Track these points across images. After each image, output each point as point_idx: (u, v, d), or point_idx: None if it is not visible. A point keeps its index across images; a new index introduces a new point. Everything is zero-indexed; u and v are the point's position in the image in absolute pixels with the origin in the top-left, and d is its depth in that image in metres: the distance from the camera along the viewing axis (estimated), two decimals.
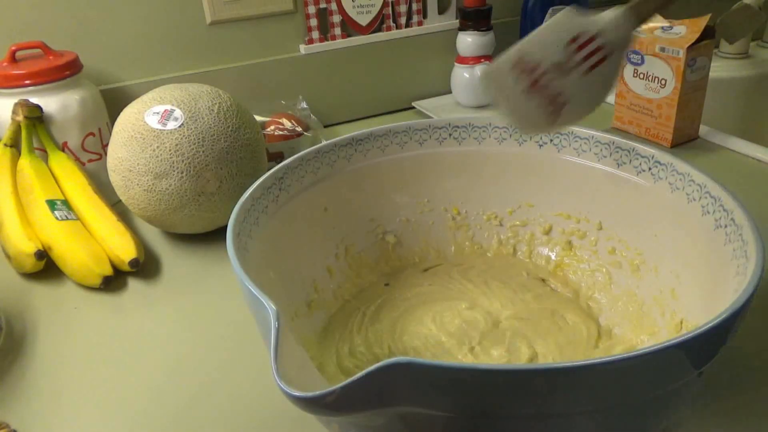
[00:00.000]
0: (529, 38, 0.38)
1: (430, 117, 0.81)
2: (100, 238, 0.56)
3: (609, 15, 0.39)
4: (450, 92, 0.86)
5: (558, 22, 0.38)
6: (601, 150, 0.44)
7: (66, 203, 0.58)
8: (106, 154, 0.65)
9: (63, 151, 0.64)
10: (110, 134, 0.57)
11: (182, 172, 0.53)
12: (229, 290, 0.53)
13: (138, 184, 0.54)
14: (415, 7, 0.85)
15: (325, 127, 0.83)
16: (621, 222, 0.44)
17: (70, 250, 0.54)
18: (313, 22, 0.80)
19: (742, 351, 0.42)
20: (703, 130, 0.75)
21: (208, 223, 0.58)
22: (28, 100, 0.61)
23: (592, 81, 0.39)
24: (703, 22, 0.68)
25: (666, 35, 0.70)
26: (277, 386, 0.23)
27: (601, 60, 0.39)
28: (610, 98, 0.85)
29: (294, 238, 0.43)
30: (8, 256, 0.55)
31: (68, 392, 0.43)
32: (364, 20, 0.83)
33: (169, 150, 0.53)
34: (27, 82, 0.62)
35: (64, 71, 0.64)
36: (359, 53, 0.84)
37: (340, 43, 0.82)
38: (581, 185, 0.46)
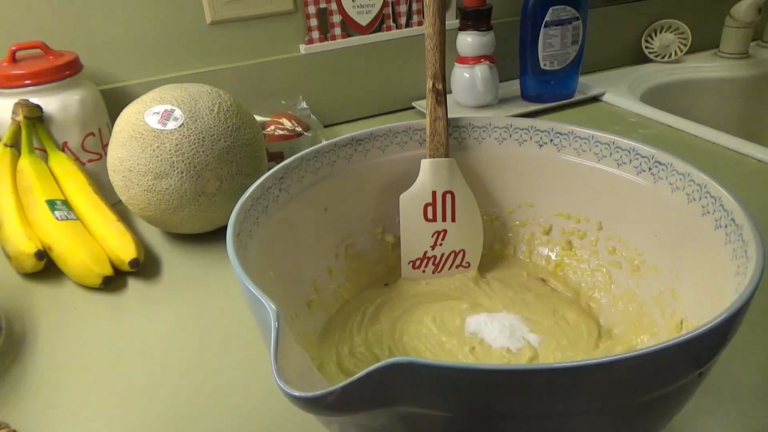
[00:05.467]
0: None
1: None
2: (100, 238, 0.56)
3: None
4: (450, 92, 0.86)
5: None
6: (601, 150, 0.44)
7: (66, 203, 0.58)
8: (106, 154, 0.65)
9: (63, 151, 0.64)
10: (110, 134, 0.57)
11: (182, 172, 0.53)
12: (229, 290, 0.53)
13: (138, 184, 0.54)
14: (415, 7, 0.85)
15: (325, 127, 0.83)
16: (621, 222, 0.44)
17: (70, 250, 0.54)
18: (313, 22, 0.80)
19: (742, 351, 0.42)
20: (702, 129, 0.75)
21: (208, 223, 0.58)
22: (28, 100, 0.61)
23: None
24: None
25: None
26: (277, 386, 0.23)
27: None
28: None
29: (294, 237, 0.43)
30: (8, 256, 0.55)
31: (68, 392, 0.43)
32: (364, 20, 0.83)
33: (169, 150, 0.53)
34: (27, 82, 0.62)
35: (64, 71, 0.64)
36: (359, 53, 0.84)
37: (340, 43, 0.82)
38: (581, 185, 0.46)
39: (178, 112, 0.54)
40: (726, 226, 0.34)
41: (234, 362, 0.45)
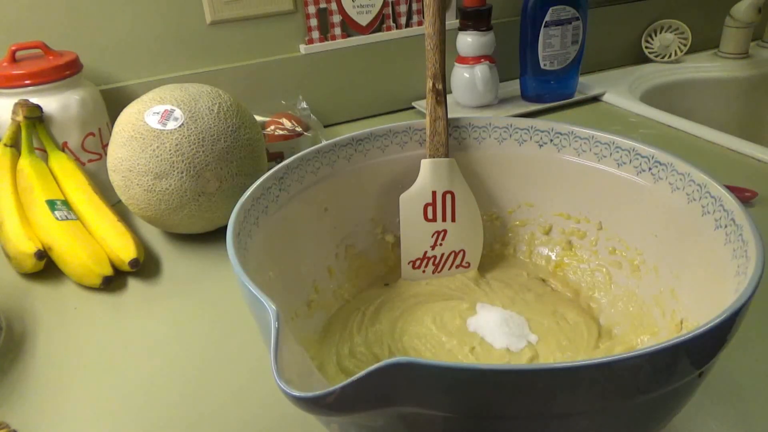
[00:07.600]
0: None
1: None
2: (100, 238, 0.56)
3: None
4: (450, 92, 0.86)
5: None
6: (601, 150, 0.44)
7: (66, 203, 0.58)
8: (106, 154, 0.65)
9: (63, 151, 0.64)
10: (110, 134, 0.57)
11: (182, 172, 0.53)
12: (229, 290, 0.53)
13: (138, 184, 0.54)
14: (415, 7, 0.85)
15: (325, 127, 0.83)
16: (621, 222, 0.44)
17: (70, 250, 0.54)
18: (313, 22, 0.80)
19: (742, 351, 0.42)
20: (702, 129, 0.75)
21: (208, 223, 0.58)
22: (28, 100, 0.61)
23: None
24: None
25: None
26: (277, 386, 0.23)
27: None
28: None
29: (294, 238, 0.43)
30: (8, 256, 0.55)
31: (68, 392, 0.43)
32: (364, 20, 0.83)
33: (169, 150, 0.53)
34: (27, 82, 0.62)
35: (64, 71, 0.64)
36: (359, 53, 0.84)
37: (340, 43, 0.82)
38: (581, 185, 0.46)
39: (178, 112, 0.54)
40: (726, 226, 0.34)
41: (234, 362, 0.45)
